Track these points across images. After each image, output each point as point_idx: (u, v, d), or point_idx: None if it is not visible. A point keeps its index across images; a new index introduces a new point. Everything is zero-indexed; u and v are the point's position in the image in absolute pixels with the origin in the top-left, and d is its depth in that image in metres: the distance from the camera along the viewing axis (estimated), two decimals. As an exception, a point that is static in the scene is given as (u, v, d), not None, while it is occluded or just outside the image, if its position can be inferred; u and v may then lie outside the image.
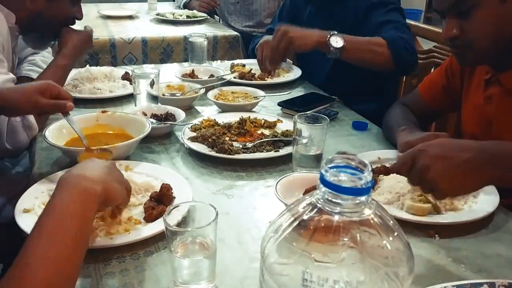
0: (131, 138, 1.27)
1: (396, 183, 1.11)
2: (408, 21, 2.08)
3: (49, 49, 1.84)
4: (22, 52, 1.74)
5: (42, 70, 1.74)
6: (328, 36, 1.58)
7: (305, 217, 0.56)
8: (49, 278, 0.66)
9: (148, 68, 1.69)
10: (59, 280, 0.68)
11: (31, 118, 1.33)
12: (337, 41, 1.57)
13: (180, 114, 1.46)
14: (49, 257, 0.68)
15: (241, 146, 1.31)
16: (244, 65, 2.08)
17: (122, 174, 0.92)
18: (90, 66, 1.84)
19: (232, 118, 1.48)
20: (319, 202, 0.55)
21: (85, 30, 1.71)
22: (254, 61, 2.09)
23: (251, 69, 1.99)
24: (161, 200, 1.02)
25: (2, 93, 1.15)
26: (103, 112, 1.39)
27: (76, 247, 0.72)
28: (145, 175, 1.12)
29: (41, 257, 0.68)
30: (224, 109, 1.60)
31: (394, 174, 1.15)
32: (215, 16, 3.34)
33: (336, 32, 1.59)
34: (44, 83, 1.16)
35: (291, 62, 2.15)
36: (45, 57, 1.80)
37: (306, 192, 0.97)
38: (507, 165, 0.90)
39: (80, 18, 1.61)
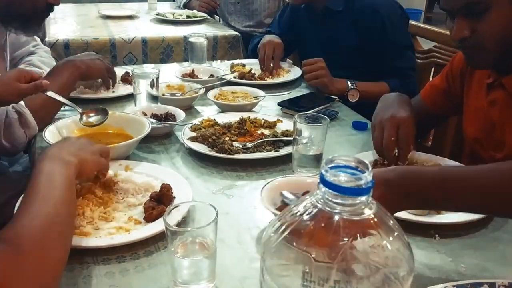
0: (130, 138, 1.27)
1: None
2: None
3: (48, 49, 1.83)
4: (17, 51, 1.73)
5: (40, 70, 1.74)
6: (346, 92, 1.75)
7: (305, 217, 0.56)
8: (44, 232, 0.74)
9: (148, 68, 1.69)
10: (53, 234, 0.75)
11: (29, 116, 1.33)
12: (353, 95, 1.75)
13: (180, 114, 1.46)
14: (42, 213, 0.76)
15: (241, 146, 1.31)
16: (244, 65, 2.08)
17: (95, 144, 1.04)
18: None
19: (232, 118, 1.48)
20: (319, 202, 0.55)
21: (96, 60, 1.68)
22: (254, 61, 2.10)
23: (251, 69, 1.99)
24: (161, 200, 1.02)
25: None
26: None
27: (66, 204, 0.82)
28: (145, 175, 1.12)
29: (35, 213, 0.76)
30: (224, 109, 1.60)
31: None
32: (215, 16, 3.33)
33: (353, 86, 1.75)
34: (16, 71, 1.24)
35: (291, 62, 2.15)
36: (42, 57, 1.79)
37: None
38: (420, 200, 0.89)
39: (55, 3, 1.51)
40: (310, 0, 1.91)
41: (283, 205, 0.97)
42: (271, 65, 1.98)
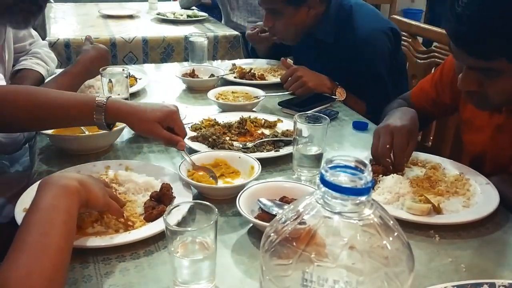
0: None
1: (396, 183, 1.11)
2: (408, 20, 2.09)
3: (45, 42, 1.85)
4: (20, 43, 1.73)
5: (47, 66, 1.75)
6: (334, 90, 1.77)
7: (305, 217, 0.56)
8: (46, 273, 0.69)
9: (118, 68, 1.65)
10: (54, 274, 0.70)
11: None
12: (340, 93, 1.76)
13: (181, 113, 1.46)
14: (38, 249, 0.71)
15: (241, 146, 1.30)
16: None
17: (103, 184, 0.96)
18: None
19: (232, 117, 1.48)
20: (319, 202, 0.55)
21: (102, 47, 1.69)
22: (255, 60, 2.11)
23: (251, 69, 1.98)
24: (161, 199, 1.02)
25: (126, 109, 1.13)
26: None
27: (64, 238, 0.75)
28: (145, 174, 1.12)
29: (31, 250, 0.71)
30: (225, 108, 1.60)
31: (395, 174, 1.16)
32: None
33: (339, 84, 1.78)
34: (166, 112, 1.15)
35: (292, 62, 2.15)
36: (49, 52, 1.80)
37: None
38: None
39: None
40: (301, 37, 1.88)
41: (262, 213, 0.97)
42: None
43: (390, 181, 1.12)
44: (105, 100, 1.10)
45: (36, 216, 0.76)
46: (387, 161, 1.17)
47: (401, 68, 1.93)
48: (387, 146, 1.16)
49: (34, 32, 1.84)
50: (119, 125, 1.27)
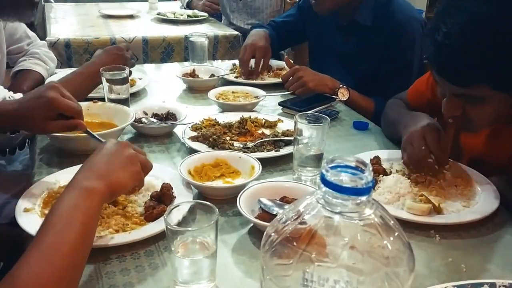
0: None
1: (396, 183, 1.11)
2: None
3: (44, 42, 1.85)
4: (9, 48, 1.73)
5: (46, 65, 1.75)
6: (337, 90, 1.74)
7: (305, 217, 0.56)
8: (57, 273, 0.68)
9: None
10: (66, 274, 0.70)
11: None
12: (343, 94, 1.73)
13: (181, 113, 1.46)
14: (52, 248, 0.70)
15: (241, 146, 1.30)
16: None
17: (133, 155, 0.91)
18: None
19: (232, 117, 1.48)
20: (320, 202, 0.55)
21: (115, 46, 1.67)
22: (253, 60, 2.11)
23: (251, 67, 1.98)
24: (162, 199, 1.02)
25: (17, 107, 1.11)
26: (94, 102, 1.43)
27: (80, 237, 0.74)
28: (145, 174, 1.12)
29: (44, 248, 0.70)
30: (225, 108, 1.60)
31: (394, 174, 1.16)
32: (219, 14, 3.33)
33: (343, 85, 1.74)
34: (44, 105, 1.09)
35: (292, 61, 2.15)
36: (48, 52, 1.80)
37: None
38: None
39: None
40: (336, 10, 1.84)
41: (262, 213, 0.97)
42: (250, 68, 1.95)
43: (390, 181, 1.12)
44: None
45: (56, 216, 0.75)
46: (429, 162, 1.14)
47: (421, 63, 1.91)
48: (423, 147, 1.13)
49: (31, 33, 1.85)
50: (119, 125, 1.27)
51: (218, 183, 1.12)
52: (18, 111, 1.11)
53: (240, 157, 1.19)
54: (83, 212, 0.77)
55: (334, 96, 1.72)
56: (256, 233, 0.97)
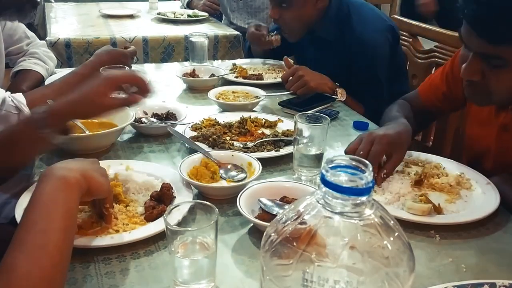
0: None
1: (396, 183, 1.11)
2: (409, 20, 2.08)
3: (43, 42, 1.85)
4: (8, 49, 1.73)
5: (46, 65, 1.74)
6: (335, 90, 1.76)
7: (305, 217, 0.56)
8: (40, 267, 0.68)
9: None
10: (50, 268, 0.70)
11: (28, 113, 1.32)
12: (341, 94, 1.76)
13: (181, 113, 1.46)
14: (37, 247, 0.70)
15: (241, 146, 1.30)
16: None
17: (105, 170, 0.93)
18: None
19: (232, 117, 1.48)
20: (320, 202, 0.55)
21: (117, 49, 1.66)
22: (255, 60, 2.10)
23: (252, 71, 1.99)
24: (162, 199, 1.02)
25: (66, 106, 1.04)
26: None
27: (63, 234, 0.74)
28: (145, 174, 1.12)
29: (30, 249, 0.70)
30: (225, 108, 1.60)
31: (395, 174, 1.16)
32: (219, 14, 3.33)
33: (339, 86, 1.78)
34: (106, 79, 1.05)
35: (292, 62, 2.15)
36: (47, 51, 1.80)
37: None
38: None
39: None
40: (305, 32, 1.88)
41: (262, 213, 0.97)
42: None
43: (390, 181, 1.12)
44: (43, 109, 1.00)
45: (35, 212, 0.75)
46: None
47: (400, 66, 1.93)
48: (361, 153, 1.10)
49: (30, 33, 1.84)
50: (118, 125, 1.27)
51: (218, 183, 1.12)
52: (74, 99, 1.04)
53: (232, 155, 1.19)
54: (62, 205, 0.77)
55: (334, 96, 1.72)
56: (256, 233, 0.97)
